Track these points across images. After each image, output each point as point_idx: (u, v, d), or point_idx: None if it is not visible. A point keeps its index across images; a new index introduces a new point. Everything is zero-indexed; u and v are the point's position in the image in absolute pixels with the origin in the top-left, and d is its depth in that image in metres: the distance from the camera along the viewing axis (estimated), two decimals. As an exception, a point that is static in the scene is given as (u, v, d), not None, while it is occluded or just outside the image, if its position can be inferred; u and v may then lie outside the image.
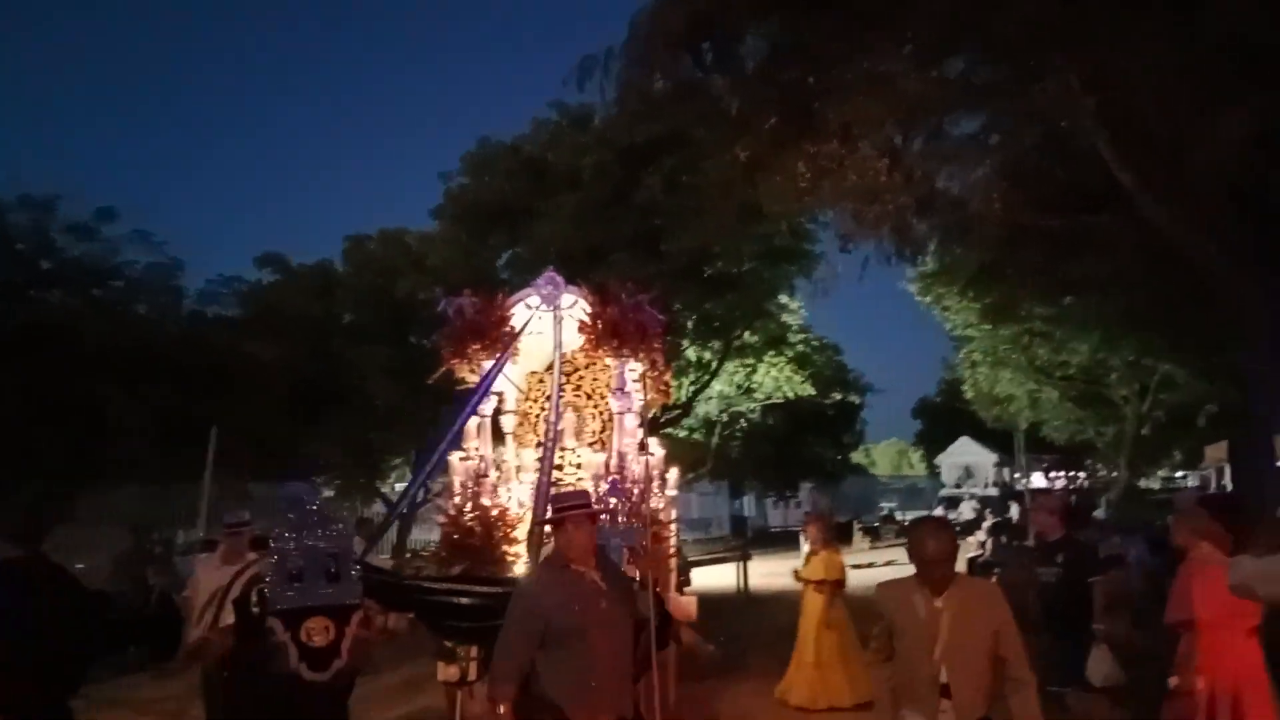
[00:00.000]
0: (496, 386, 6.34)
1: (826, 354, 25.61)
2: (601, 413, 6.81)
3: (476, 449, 6.25)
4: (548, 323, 6.33)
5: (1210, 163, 7.93)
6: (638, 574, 4.19)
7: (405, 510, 5.78)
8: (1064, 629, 5.05)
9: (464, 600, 4.22)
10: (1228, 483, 17.85)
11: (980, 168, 9.86)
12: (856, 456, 33.43)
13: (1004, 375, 22.29)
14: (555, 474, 6.62)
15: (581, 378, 6.99)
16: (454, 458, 6.59)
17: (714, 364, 19.42)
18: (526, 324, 6.33)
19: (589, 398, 6.91)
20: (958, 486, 31.77)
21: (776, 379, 21.49)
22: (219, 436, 9.63)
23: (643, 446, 5.95)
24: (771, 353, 21.11)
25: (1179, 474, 30.42)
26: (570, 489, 4.92)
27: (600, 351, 6.33)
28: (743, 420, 24.18)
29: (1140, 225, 9.03)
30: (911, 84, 8.47)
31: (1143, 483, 26.14)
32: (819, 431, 29.28)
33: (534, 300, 6.41)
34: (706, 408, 21.47)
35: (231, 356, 17.52)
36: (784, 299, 20.08)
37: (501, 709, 3.55)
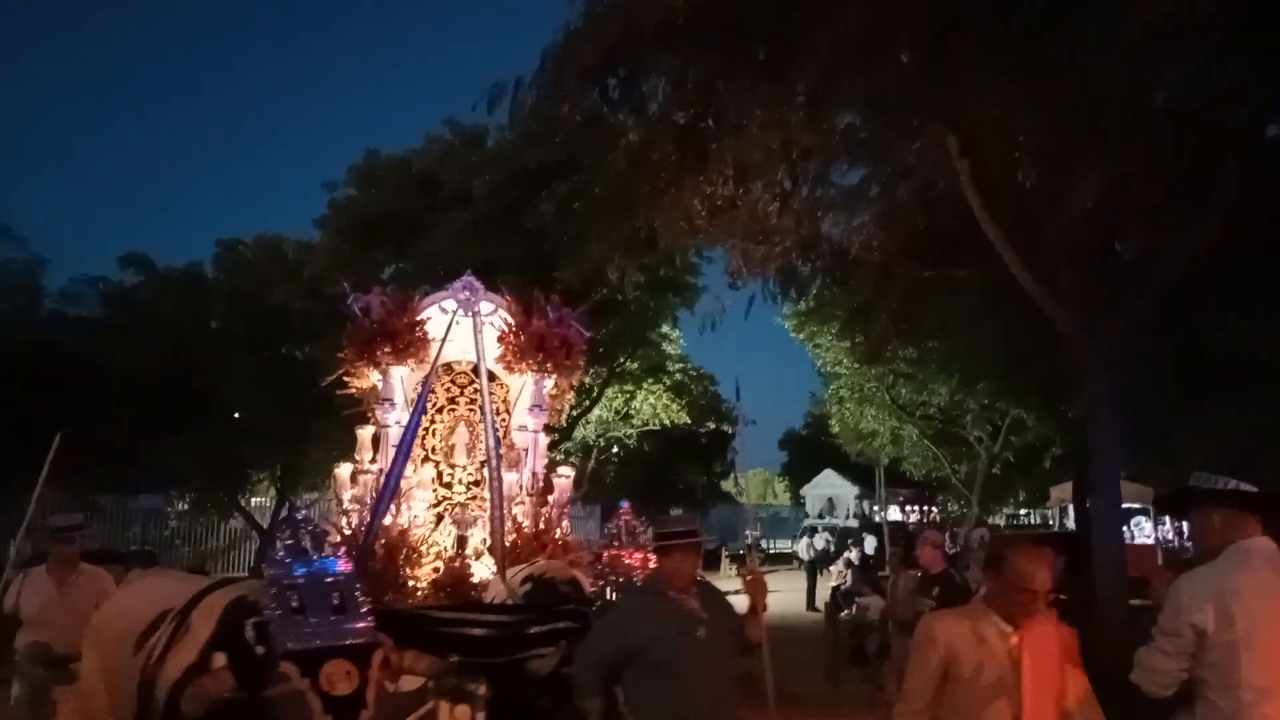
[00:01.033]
0: (386, 393, 6.02)
1: (702, 383, 26.22)
2: (496, 429, 6.35)
3: (373, 462, 5.95)
4: (464, 329, 6.00)
5: (1061, 224, 8.70)
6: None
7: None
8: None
9: (477, 631, 3.83)
10: (1070, 521, 19.25)
11: (860, 216, 10.47)
12: (727, 485, 34.17)
13: (869, 412, 23.34)
14: (444, 492, 6.48)
15: (477, 390, 6.45)
16: (342, 470, 6.32)
17: (595, 389, 19.64)
18: (449, 331, 5.93)
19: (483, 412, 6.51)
20: (820, 517, 32.88)
21: (654, 406, 21.89)
22: (63, 443, 9.08)
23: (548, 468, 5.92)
24: (650, 380, 21.51)
25: (1022, 511, 32.40)
26: (675, 515, 4.75)
27: (524, 365, 6.05)
28: (617, 446, 24.46)
29: (996, 277, 9.77)
30: (801, 133, 8.93)
31: (991, 519, 27.73)
32: (692, 459, 29.84)
33: (449, 304, 6.06)
34: (584, 432, 21.64)
35: (85, 359, 16.62)
36: (665, 329, 20.53)
37: None
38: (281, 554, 2.98)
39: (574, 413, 19.82)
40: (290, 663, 2.76)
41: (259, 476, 22.22)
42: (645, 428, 22.98)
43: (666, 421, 22.50)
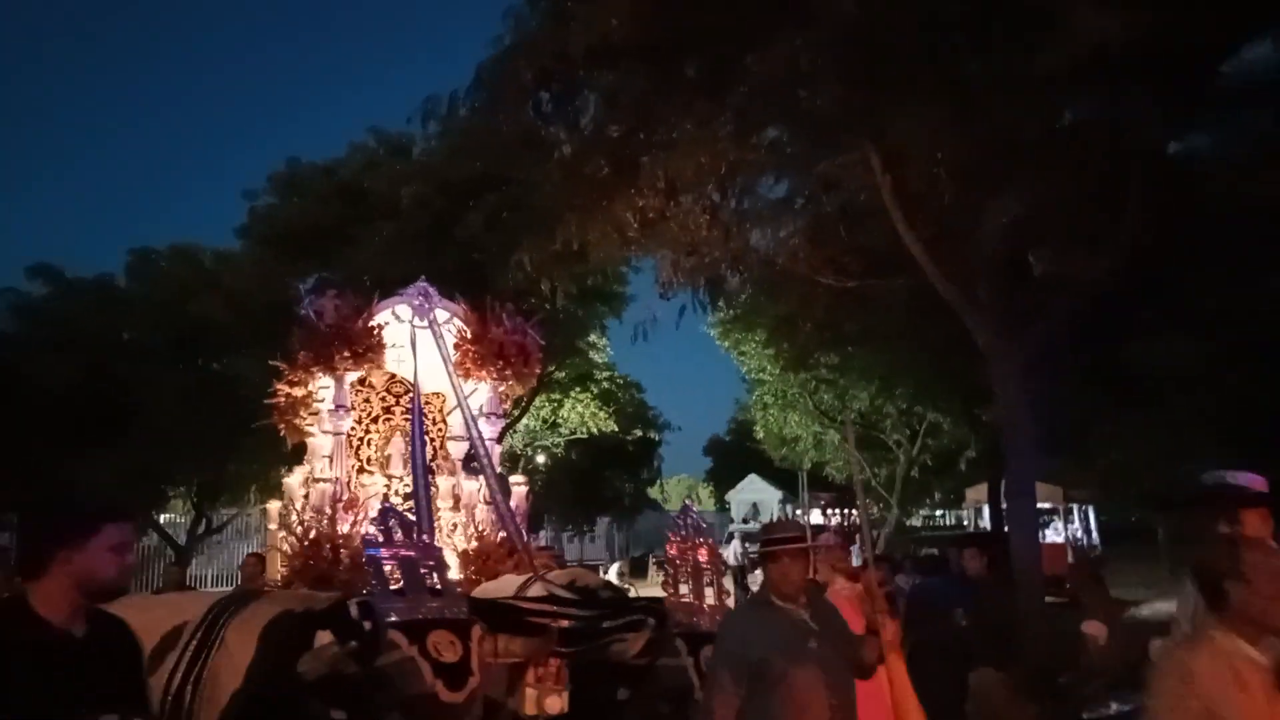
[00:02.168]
0: (339, 399, 5.80)
1: (629, 391, 26.41)
2: (434, 439, 6.44)
3: (324, 470, 5.79)
4: (420, 336, 5.90)
5: (979, 240, 9.12)
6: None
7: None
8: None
9: (563, 623, 3.81)
10: (985, 522, 19.96)
11: (787, 229, 10.77)
12: (652, 492, 34.41)
13: (792, 418, 23.79)
14: (395, 502, 6.33)
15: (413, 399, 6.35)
16: (293, 480, 6.15)
17: (523, 399, 19.65)
18: (414, 338, 5.81)
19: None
20: (745, 522, 33.36)
21: (582, 415, 21.98)
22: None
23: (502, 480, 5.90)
24: (578, 389, 21.59)
25: (938, 512, 33.41)
26: (781, 520, 4.53)
27: (483, 373, 6.00)
28: (543, 455, 24.44)
29: (917, 289, 10.16)
30: (730, 148, 9.17)
31: (908, 521, 28.54)
32: (618, 466, 29.98)
33: (404, 311, 5.97)
34: (512, 441, 21.60)
35: (-4, 373, 15.97)
36: (593, 337, 20.65)
37: None
38: (381, 538, 3.23)
39: (503, 423, 19.82)
40: (400, 632, 2.97)
41: (174, 492, 21.55)
42: (573, 436, 23.04)
43: (594, 430, 22.60)
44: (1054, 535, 20.35)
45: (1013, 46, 6.98)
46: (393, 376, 6.44)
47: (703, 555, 5.42)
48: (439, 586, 3.45)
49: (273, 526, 6.34)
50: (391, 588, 3.80)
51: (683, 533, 5.56)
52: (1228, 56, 8.59)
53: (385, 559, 3.23)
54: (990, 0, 6.97)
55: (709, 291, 11.10)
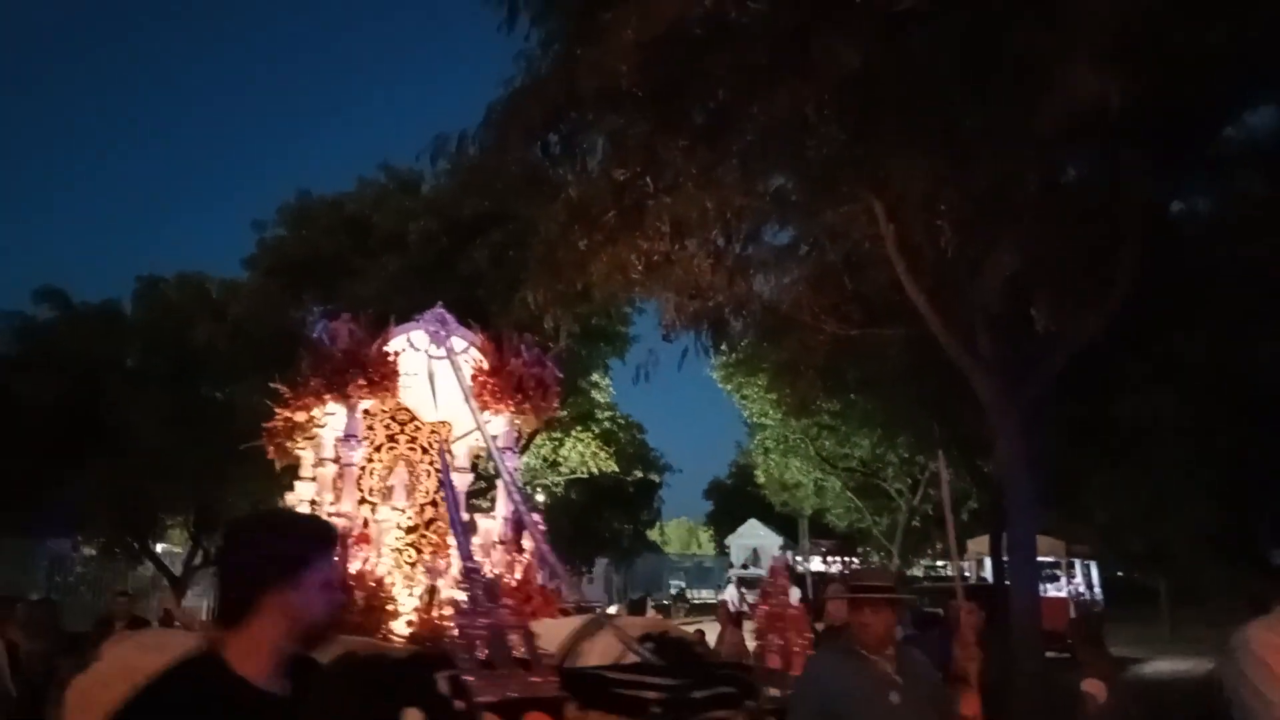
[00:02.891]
0: (351, 429, 5.46)
1: (630, 431, 26.32)
2: (439, 470, 6.07)
3: (332, 502, 5.52)
4: (438, 366, 5.64)
5: (980, 292, 9.15)
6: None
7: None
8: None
9: (650, 694, 3.47)
10: (987, 573, 19.74)
11: (790, 275, 10.82)
12: (652, 534, 34.17)
13: (794, 463, 23.75)
14: (398, 536, 5.97)
15: (418, 428, 6.26)
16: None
17: (525, 436, 19.60)
18: (432, 369, 5.54)
19: (425, 451, 6.21)
20: (745, 567, 33.08)
21: (582, 454, 21.89)
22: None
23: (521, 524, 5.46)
24: (579, 428, 21.52)
25: (939, 563, 33.11)
26: (869, 567, 3.85)
27: (502, 405, 5.71)
28: (542, 494, 24.32)
29: (918, 339, 10.17)
30: (734, 194, 9.24)
31: (909, 571, 28.29)
32: (618, 507, 29.81)
33: (419, 338, 5.68)
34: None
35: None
36: (595, 377, 20.64)
37: None
38: (466, 605, 2.90)
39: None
40: (494, 714, 2.72)
41: (171, 521, 21.45)
42: (573, 475, 22.94)
43: (594, 470, 22.50)
44: (1055, 590, 20.12)
45: (1010, 102, 7.05)
46: (397, 404, 6.19)
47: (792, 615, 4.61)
48: (525, 655, 3.01)
49: None
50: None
51: (771, 593, 4.73)
52: (1226, 121, 8.69)
53: (477, 628, 2.84)
54: (989, 55, 7.06)
55: (712, 335, 11.12)
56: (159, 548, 21.71)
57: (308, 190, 18.41)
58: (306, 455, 6.35)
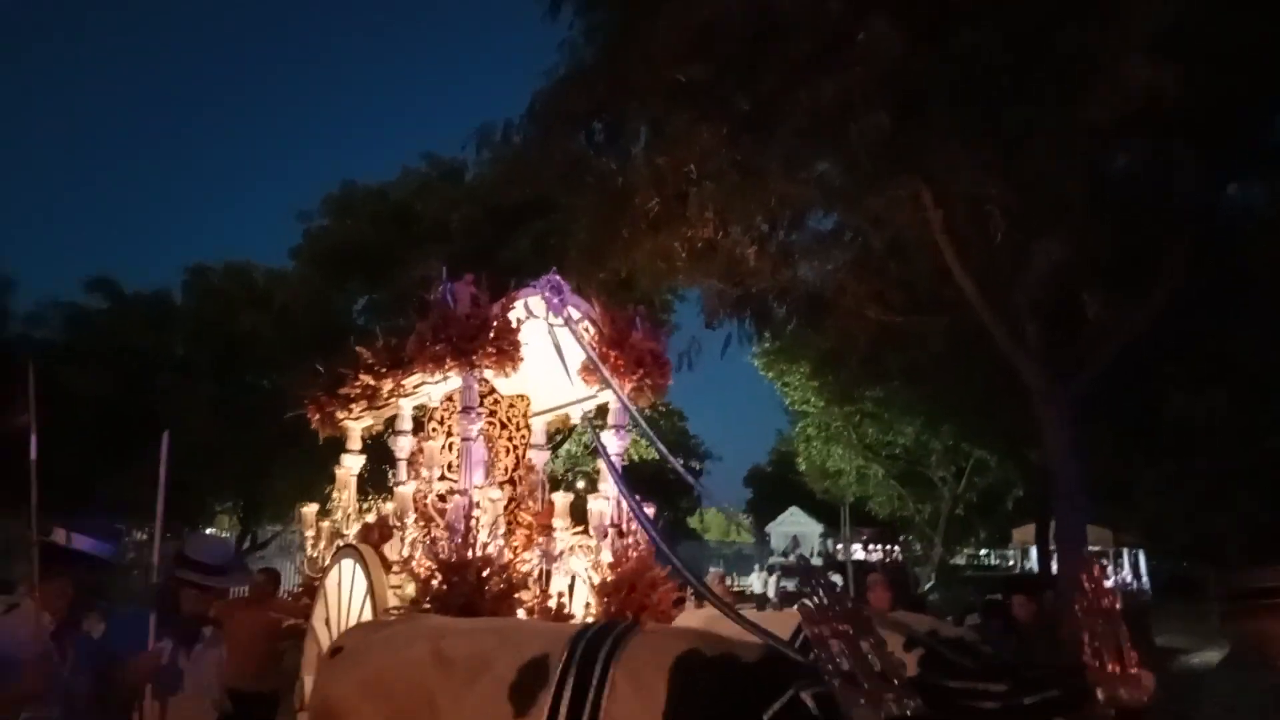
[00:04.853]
0: (468, 400, 5.03)
1: (671, 419, 26.33)
2: (516, 447, 5.88)
3: (444, 477, 5.21)
4: (560, 334, 5.20)
5: (1028, 281, 9.02)
6: None
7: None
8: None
9: (987, 704, 2.78)
10: (1033, 563, 19.56)
11: (834, 262, 10.75)
12: (691, 521, 34.19)
13: (835, 450, 23.54)
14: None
15: (497, 402, 5.85)
16: (405, 490, 5.31)
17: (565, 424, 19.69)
18: (556, 338, 5.08)
19: (504, 427, 5.87)
20: (785, 555, 32.96)
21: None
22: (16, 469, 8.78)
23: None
24: (620, 415, 21.59)
25: (983, 551, 32.76)
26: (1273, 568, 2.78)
27: (625, 380, 5.28)
28: (582, 481, 24.45)
29: (961, 326, 10.05)
30: (779, 182, 9.18)
31: (951, 560, 28.03)
32: (657, 494, 29.85)
33: (537, 304, 5.22)
34: (553, 466, 21.64)
35: (45, 384, 16.39)
36: (636, 364, 20.67)
37: None
38: (825, 607, 2.35)
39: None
40: None
41: (220, 508, 21.88)
42: (613, 462, 23.00)
43: (635, 457, 22.55)
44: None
45: (1061, 93, 6.92)
46: (479, 379, 5.51)
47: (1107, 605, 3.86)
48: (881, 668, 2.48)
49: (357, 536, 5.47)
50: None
51: (1092, 582, 4.01)
52: (1278, 114, 8.46)
53: (829, 637, 2.37)
54: (1039, 47, 6.92)
55: (754, 322, 11.09)
56: (208, 532, 22.16)
57: (352, 180, 18.61)
58: (354, 427, 6.09)
